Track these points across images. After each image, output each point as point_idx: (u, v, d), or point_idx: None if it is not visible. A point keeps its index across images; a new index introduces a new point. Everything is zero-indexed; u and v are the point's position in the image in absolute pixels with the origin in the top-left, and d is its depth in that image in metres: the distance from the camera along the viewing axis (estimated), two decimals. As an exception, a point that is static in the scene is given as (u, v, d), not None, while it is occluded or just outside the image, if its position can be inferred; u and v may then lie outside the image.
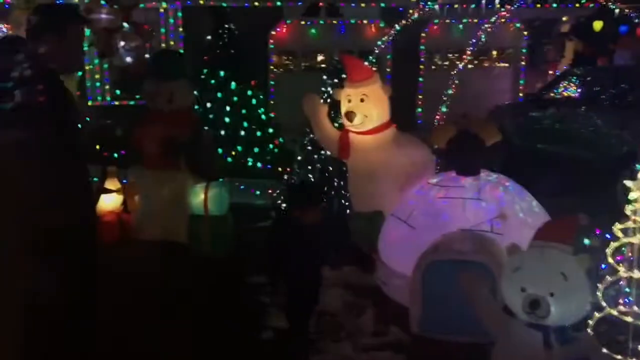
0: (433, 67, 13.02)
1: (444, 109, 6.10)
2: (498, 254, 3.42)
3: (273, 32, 12.00)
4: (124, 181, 5.57)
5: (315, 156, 6.02)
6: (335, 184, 5.97)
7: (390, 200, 4.47)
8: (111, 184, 5.43)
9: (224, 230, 5.22)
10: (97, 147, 7.34)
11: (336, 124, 5.00)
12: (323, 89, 5.99)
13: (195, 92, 5.80)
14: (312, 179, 5.85)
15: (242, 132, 8.62)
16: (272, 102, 11.46)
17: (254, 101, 8.86)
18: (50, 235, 2.74)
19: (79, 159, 2.95)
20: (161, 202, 5.32)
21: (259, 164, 8.53)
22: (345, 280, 4.65)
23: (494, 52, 13.34)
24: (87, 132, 8.27)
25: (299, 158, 6.25)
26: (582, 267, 2.49)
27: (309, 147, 6.05)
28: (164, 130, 5.17)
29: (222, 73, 8.60)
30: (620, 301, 3.64)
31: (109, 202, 5.42)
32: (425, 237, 3.79)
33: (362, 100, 4.49)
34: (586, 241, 4.30)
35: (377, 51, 7.77)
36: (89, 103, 10.74)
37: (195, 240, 5.17)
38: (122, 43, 9.35)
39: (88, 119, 9.48)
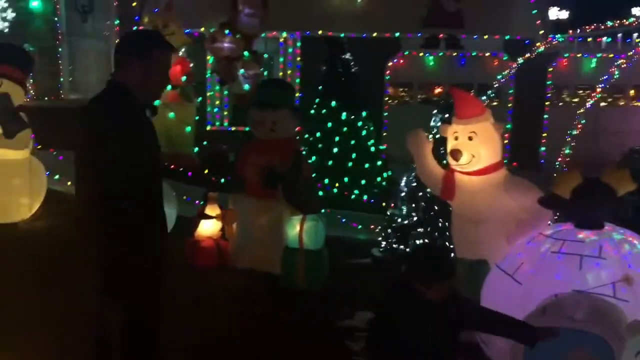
0: (560, 103, 12.20)
1: (567, 151, 5.55)
2: (620, 325, 2.92)
3: (390, 63, 11.84)
4: (224, 207, 5.59)
5: (420, 194, 5.71)
6: (440, 225, 5.62)
7: (497, 250, 4.05)
8: (211, 209, 5.45)
9: (318, 264, 5.04)
10: (206, 170, 7.54)
11: (444, 162, 4.67)
12: (432, 123, 5.70)
13: (305, 122, 5.70)
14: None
15: (350, 164, 8.49)
16: (385, 134, 11.27)
17: (364, 132, 8.71)
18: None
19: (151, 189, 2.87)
20: (258, 232, 5.27)
21: (365, 197, 8.32)
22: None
23: (631, 91, 12.26)
24: (201, 156, 8.51)
25: (403, 194, 5.97)
26: None
27: (414, 184, 5.75)
28: (264, 159, 5.13)
29: (333, 103, 8.55)
30: None
31: (208, 227, 5.44)
32: (533, 296, 3.35)
33: (470, 139, 4.14)
34: None
35: (497, 85, 7.34)
36: (208, 128, 11.14)
37: (288, 273, 5.03)
38: (241, 71, 9.69)
39: (205, 142, 9.86)
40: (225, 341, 4.09)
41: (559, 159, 5.52)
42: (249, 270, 5.26)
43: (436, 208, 5.59)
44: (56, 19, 11.38)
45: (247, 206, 5.31)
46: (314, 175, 7.99)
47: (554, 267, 3.46)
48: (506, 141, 9.88)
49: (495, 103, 11.49)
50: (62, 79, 11.58)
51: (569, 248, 3.50)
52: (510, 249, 3.88)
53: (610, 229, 3.57)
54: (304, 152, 8.66)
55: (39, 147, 8.41)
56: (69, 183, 7.52)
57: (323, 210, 7.07)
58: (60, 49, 11.46)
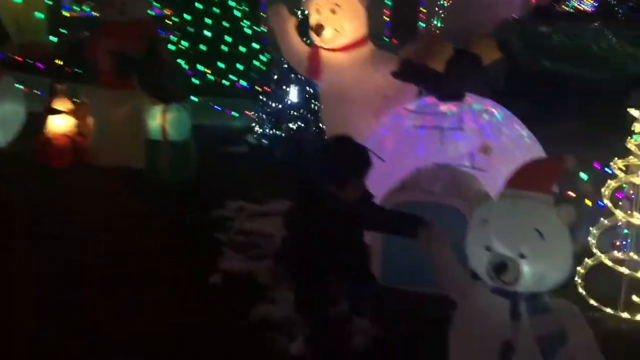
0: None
1: (437, 23, 5.42)
2: (477, 196, 2.92)
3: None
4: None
5: (293, 75, 5.45)
6: (315, 107, 5.44)
7: (366, 128, 3.93)
8: (60, 103, 4.92)
9: (184, 156, 4.75)
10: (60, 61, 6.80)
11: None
12: None
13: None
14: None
15: (225, 48, 7.99)
16: (263, 14, 10.67)
17: (237, 13, 8.15)
18: None
19: None
20: (115, 125, 4.85)
21: (243, 82, 7.93)
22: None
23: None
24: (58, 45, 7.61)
25: (276, 77, 5.68)
26: (565, 221, 1.99)
27: (286, 65, 5.46)
28: (115, 44, 4.61)
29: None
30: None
31: (59, 123, 4.94)
32: (395, 172, 3.29)
33: (333, 12, 3.86)
34: (583, 176, 3.81)
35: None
36: (65, 13, 10.01)
37: (152, 167, 4.71)
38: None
39: (63, 30, 8.87)
40: (89, 246, 3.80)
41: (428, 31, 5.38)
42: (110, 168, 4.89)
43: (310, 90, 5.38)
44: None
45: (101, 98, 4.84)
46: (181, 60, 7.51)
47: (416, 142, 3.41)
48: (387, 18, 9.66)
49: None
50: None
51: (431, 121, 3.44)
52: (374, 126, 3.78)
53: (470, 100, 3.52)
54: (174, 38, 8.07)
55: None
56: None
57: (197, 99, 6.72)
58: None
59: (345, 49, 3.98)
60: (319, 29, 3.82)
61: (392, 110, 3.73)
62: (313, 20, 3.95)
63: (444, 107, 3.47)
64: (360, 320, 2.75)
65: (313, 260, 2.49)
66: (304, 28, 4.26)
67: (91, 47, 4.81)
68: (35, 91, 6.10)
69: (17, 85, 5.83)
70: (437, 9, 5.44)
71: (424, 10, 11.37)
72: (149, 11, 4.85)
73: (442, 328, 2.15)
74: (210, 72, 7.77)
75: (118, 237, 3.89)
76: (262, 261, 3.62)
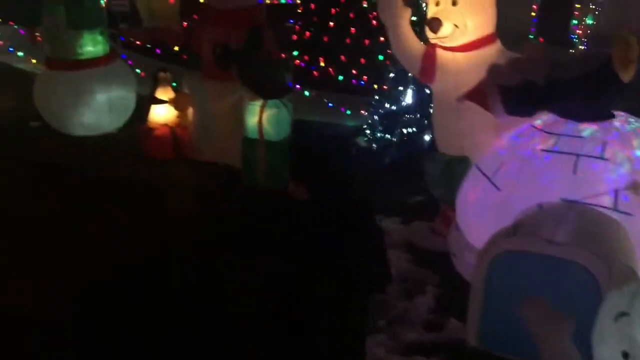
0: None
1: (589, 20, 4.54)
2: (618, 251, 2.22)
3: None
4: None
5: (410, 75, 4.86)
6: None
7: (482, 144, 3.29)
8: (163, 92, 4.75)
9: (281, 158, 4.36)
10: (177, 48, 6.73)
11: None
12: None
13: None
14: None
15: (348, 40, 7.52)
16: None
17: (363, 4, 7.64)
18: None
19: None
20: (216, 119, 4.58)
21: (358, 78, 7.41)
22: (409, 240, 3.65)
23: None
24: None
25: (392, 75, 5.13)
26: None
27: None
28: (219, 33, 4.33)
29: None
30: None
31: (160, 113, 4.77)
32: (512, 205, 2.66)
33: (454, 4, 3.25)
34: None
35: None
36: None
37: (248, 167, 4.38)
38: None
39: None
40: (177, 242, 3.57)
41: (578, 32, 4.52)
42: (208, 164, 4.65)
43: (428, 92, 4.77)
44: None
45: (203, 89, 4.59)
46: (296, 53, 7.15)
47: (542, 170, 2.71)
48: (534, 13, 8.69)
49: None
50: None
51: (564, 145, 2.73)
52: (494, 144, 3.12)
53: (621, 122, 2.76)
54: (298, 27, 7.75)
55: (-1, 20, 7.68)
56: (34, 61, 6.86)
57: (307, 94, 6.34)
58: None
59: (465, 48, 3.35)
60: (436, 24, 3.22)
61: (515, 126, 3.05)
62: (430, 13, 3.37)
63: (583, 128, 2.75)
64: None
65: None
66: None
67: (195, 34, 4.57)
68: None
69: (134, 70, 5.84)
70: (591, 4, 4.56)
71: (578, 6, 10.20)
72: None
73: None
74: (328, 65, 7.35)
75: (206, 237, 3.60)
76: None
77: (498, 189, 2.82)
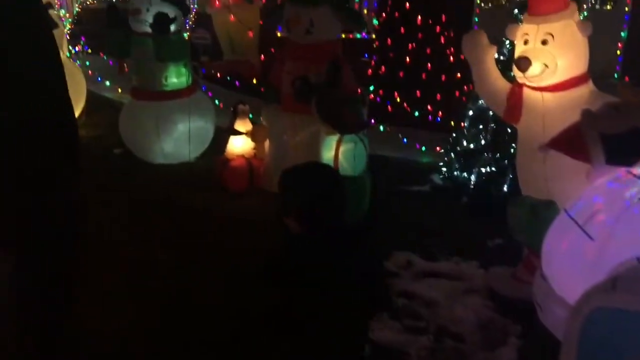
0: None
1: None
2: None
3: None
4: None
5: (491, 112, 4.74)
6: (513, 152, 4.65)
7: (571, 190, 3.12)
8: (242, 124, 4.82)
9: (356, 194, 4.30)
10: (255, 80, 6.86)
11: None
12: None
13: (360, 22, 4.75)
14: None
15: (424, 76, 7.46)
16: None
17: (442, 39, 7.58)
18: None
19: None
20: (293, 152, 4.60)
21: (434, 114, 7.32)
22: (489, 286, 3.50)
23: None
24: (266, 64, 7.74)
25: (471, 113, 5.01)
26: None
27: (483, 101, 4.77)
28: (299, 67, 4.37)
29: (407, 5, 7.45)
30: None
31: (238, 145, 4.84)
32: (607, 257, 2.48)
33: (544, 42, 3.13)
34: None
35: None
36: (278, 34, 10.31)
37: (322, 202, 4.35)
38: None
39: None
40: (250, 272, 3.57)
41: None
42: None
43: (509, 131, 4.62)
44: None
45: (280, 122, 4.63)
46: (373, 88, 7.13)
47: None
48: (619, 52, 8.35)
49: (609, 7, 9.75)
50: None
51: (667, 195, 2.54)
52: (585, 190, 2.95)
53: None
54: (374, 62, 7.78)
55: (88, 50, 8.10)
56: (119, 90, 7.18)
57: (383, 129, 6.30)
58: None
59: (555, 88, 3.21)
60: (525, 63, 3.11)
61: (609, 171, 2.87)
62: (518, 51, 3.26)
63: (688, 176, 2.56)
64: None
65: None
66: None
67: (275, 67, 4.63)
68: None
69: (213, 101, 5.99)
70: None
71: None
72: (336, 34, 4.47)
73: None
74: (403, 100, 7.31)
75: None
76: (419, 337, 3.02)
77: (591, 238, 2.65)
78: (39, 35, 1.97)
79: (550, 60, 3.11)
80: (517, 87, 3.35)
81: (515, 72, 3.22)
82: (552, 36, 3.11)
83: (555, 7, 3.13)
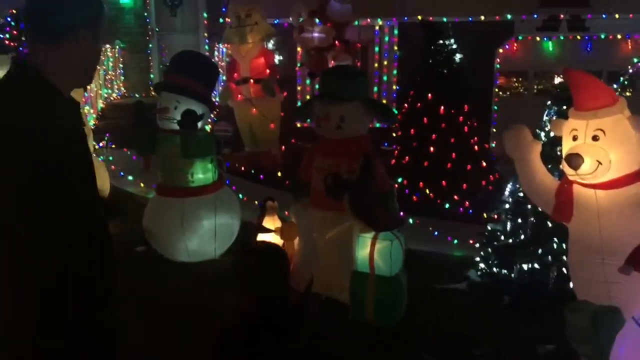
0: None
1: None
2: None
3: (501, 50, 10.47)
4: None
5: (529, 206, 4.55)
6: (555, 247, 4.43)
7: (635, 293, 2.89)
8: (270, 221, 4.66)
9: (392, 295, 4.08)
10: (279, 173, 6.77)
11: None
12: (545, 117, 4.53)
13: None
14: None
15: (449, 165, 7.37)
16: (494, 129, 9.97)
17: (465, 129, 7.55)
18: None
19: None
20: (323, 251, 4.40)
21: (464, 204, 7.15)
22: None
23: None
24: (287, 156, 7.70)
25: (507, 206, 4.82)
26: None
27: (522, 194, 4.60)
28: (329, 163, 4.25)
29: (430, 95, 7.47)
30: None
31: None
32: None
33: (595, 138, 3.00)
34: None
35: (632, 71, 5.94)
36: (298, 125, 10.42)
37: (357, 303, 4.11)
38: (332, 62, 8.85)
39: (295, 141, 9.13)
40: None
41: None
42: (313, 295, 4.42)
43: (550, 225, 4.41)
44: (146, 14, 11.19)
45: (311, 219, 4.45)
46: (400, 180, 7.02)
47: None
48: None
49: (628, 94, 9.77)
50: (152, 75, 11.36)
51: None
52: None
53: None
54: (397, 152, 7.72)
55: (113, 146, 8.13)
56: (142, 185, 7.11)
57: (411, 221, 6.10)
58: (150, 45, 11.25)
59: (609, 185, 3.05)
60: (576, 160, 2.96)
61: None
62: (567, 147, 3.12)
63: None
64: None
65: None
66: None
67: (305, 163, 4.52)
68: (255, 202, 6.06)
69: (237, 195, 5.87)
70: None
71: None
72: (366, 128, 4.39)
73: None
74: (430, 191, 7.16)
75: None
76: None
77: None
78: (78, 133, 2.03)
79: (603, 156, 2.96)
80: (566, 184, 3.19)
81: (566, 169, 3.07)
82: (604, 132, 2.98)
83: (604, 103, 3.02)
